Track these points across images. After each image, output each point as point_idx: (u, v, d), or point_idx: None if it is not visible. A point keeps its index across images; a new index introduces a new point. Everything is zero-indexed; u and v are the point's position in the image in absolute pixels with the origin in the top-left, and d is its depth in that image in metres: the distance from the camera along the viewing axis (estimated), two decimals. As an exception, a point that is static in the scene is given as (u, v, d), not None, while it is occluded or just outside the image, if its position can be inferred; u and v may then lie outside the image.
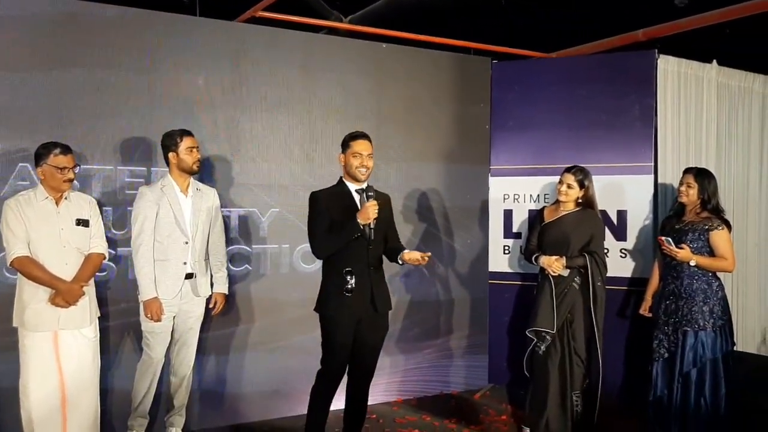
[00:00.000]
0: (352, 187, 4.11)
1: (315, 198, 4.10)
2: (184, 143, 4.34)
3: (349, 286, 3.94)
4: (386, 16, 6.04)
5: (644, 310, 4.90)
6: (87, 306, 4.02)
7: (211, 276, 4.59)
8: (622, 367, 5.38)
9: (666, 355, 4.56)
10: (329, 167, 5.26)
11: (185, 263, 4.37)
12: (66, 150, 3.95)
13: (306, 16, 5.64)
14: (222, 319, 4.95)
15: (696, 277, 4.48)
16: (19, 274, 3.92)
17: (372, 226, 3.96)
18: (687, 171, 4.65)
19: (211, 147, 4.96)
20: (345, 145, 4.12)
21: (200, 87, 4.93)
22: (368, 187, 4.05)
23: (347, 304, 3.98)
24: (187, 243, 4.37)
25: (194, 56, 4.91)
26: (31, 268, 3.85)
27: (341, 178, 4.18)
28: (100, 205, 4.33)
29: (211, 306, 4.59)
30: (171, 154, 4.35)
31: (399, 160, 5.67)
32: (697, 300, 4.45)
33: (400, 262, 4.11)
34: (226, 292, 4.67)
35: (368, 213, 3.90)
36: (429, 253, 4.04)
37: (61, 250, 3.94)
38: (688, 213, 4.62)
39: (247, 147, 5.10)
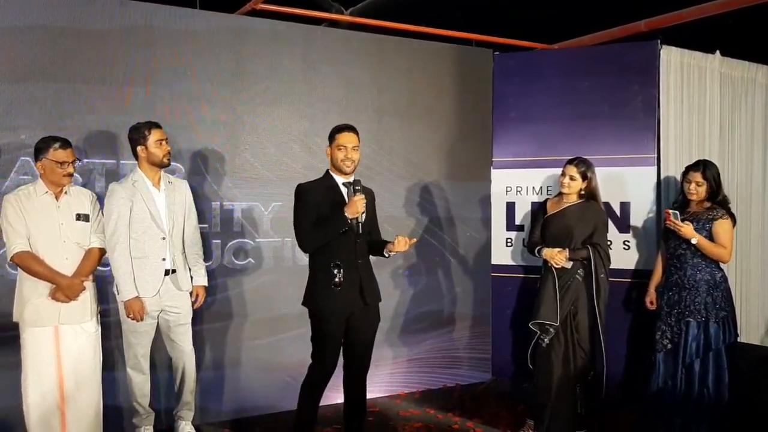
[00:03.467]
0: (339, 180, 4.07)
1: (302, 191, 4.07)
2: (153, 136, 4.23)
3: (337, 280, 3.91)
4: (387, 8, 6.01)
5: (649, 303, 4.86)
6: (87, 300, 4.00)
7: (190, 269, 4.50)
8: (624, 359, 5.37)
9: (669, 346, 4.54)
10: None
11: (164, 259, 4.28)
12: (66, 144, 3.93)
13: (306, 9, 5.61)
14: (225, 312, 4.97)
15: (699, 268, 4.46)
16: (19, 269, 3.91)
17: (360, 220, 3.95)
18: (692, 169, 4.57)
19: (212, 140, 4.96)
20: (331, 137, 4.10)
21: (201, 80, 4.91)
22: (356, 180, 4.02)
23: (336, 298, 3.95)
24: (164, 238, 4.28)
25: (194, 49, 4.88)
26: (31, 263, 3.84)
27: (328, 170, 4.14)
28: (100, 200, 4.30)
29: (192, 300, 4.49)
30: (140, 148, 4.24)
31: (400, 153, 5.65)
32: (700, 291, 4.44)
33: (387, 255, 4.08)
34: (206, 284, 4.58)
35: (357, 207, 3.88)
36: (414, 240, 4.04)
37: (61, 245, 3.93)
38: (694, 205, 4.60)
39: (247, 140, 5.09)
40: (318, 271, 4.06)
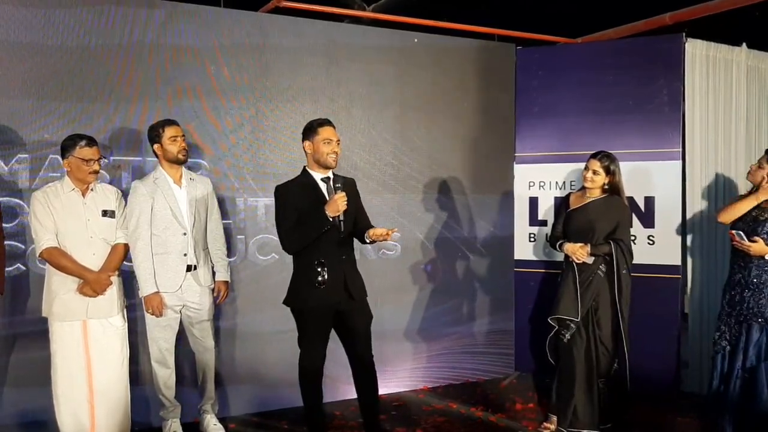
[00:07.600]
0: (317, 176, 4.05)
1: (280, 191, 4.04)
2: (167, 133, 4.28)
3: (321, 279, 3.90)
4: (409, 4, 6.00)
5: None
6: (114, 295, 4.07)
7: (212, 265, 4.55)
8: (647, 356, 5.32)
9: (728, 348, 4.34)
10: (353, 156, 5.28)
11: (185, 255, 4.34)
12: (91, 142, 3.99)
13: (329, 5, 5.63)
14: (251, 307, 5.02)
15: (765, 268, 4.22)
16: (47, 264, 3.99)
17: (341, 218, 3.91)
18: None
19: (236, 137, 5.00)
20: (313, 131, 4.02)
21: (225, 77, 4.96)
22: (335, 177, 4.00)
23: (320, 297, 3.94)
24: (185, 234, 4.33)
25: (218, 47, 4.93)
26: (59, 259, 3.91)
27: (305, 167, 4.10)
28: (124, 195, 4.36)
29: (215, 295, 4.55)
30: (156, 146, 4.30)
31: (423, 148, 5.66)
32: (765, 292, 4.20)
33: (368, 240, 3.98)
34: (228, 279, 4.63)
35: (338, 205, 3.83)
36: (395, 229, 3.94)
37: (88, 241, 3.99)
38: None
39: (271, 136, 5.12)
40: (301, 270, 4.04)
